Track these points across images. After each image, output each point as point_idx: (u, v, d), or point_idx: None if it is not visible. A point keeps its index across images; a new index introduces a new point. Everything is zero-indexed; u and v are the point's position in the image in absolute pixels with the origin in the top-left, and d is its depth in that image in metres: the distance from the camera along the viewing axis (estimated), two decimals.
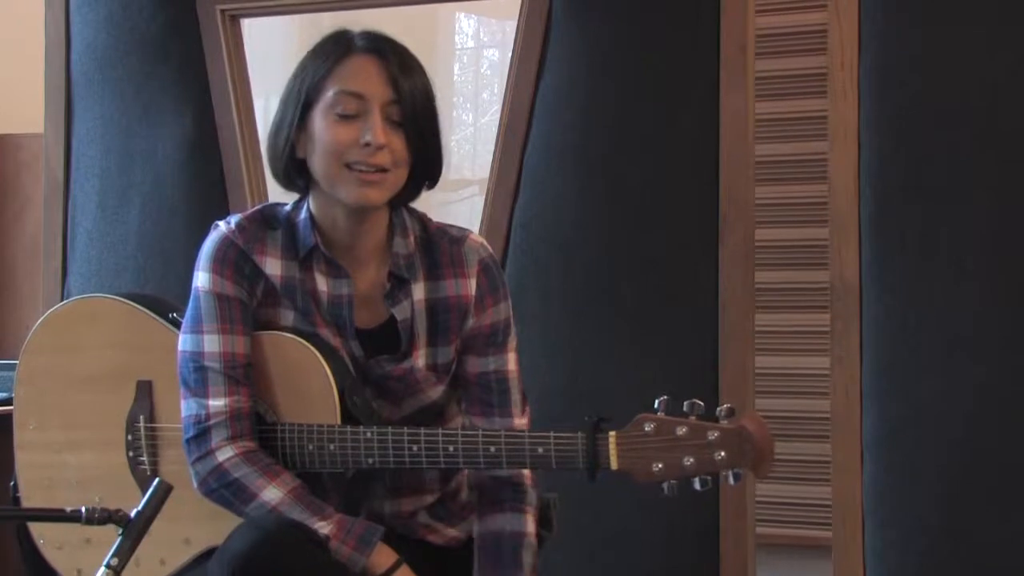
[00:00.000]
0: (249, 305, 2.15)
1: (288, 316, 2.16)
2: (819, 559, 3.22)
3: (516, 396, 2.22)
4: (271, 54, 4.08)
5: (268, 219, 2.19)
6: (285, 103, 2.16)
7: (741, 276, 3.01)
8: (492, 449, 2.06)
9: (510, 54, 3.28)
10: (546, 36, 3.20)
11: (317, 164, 2.12)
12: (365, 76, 2.11)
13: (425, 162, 2.15)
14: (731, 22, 3.03)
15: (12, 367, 2.40)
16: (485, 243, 2.24)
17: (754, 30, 3.06)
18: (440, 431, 2.10)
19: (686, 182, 3.08)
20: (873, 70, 2.88)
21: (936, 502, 2.79)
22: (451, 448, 2.07)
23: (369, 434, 2.09)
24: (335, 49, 2.14)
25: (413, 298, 2.17)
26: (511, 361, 2.23)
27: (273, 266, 2.15)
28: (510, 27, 3.52)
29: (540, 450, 2.04)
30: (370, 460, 2.09)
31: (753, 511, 3.03)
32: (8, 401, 2.38)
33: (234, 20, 3.52)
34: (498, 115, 3.30)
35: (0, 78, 4.38)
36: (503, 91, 3.28)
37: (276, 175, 2.20)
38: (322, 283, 2.16)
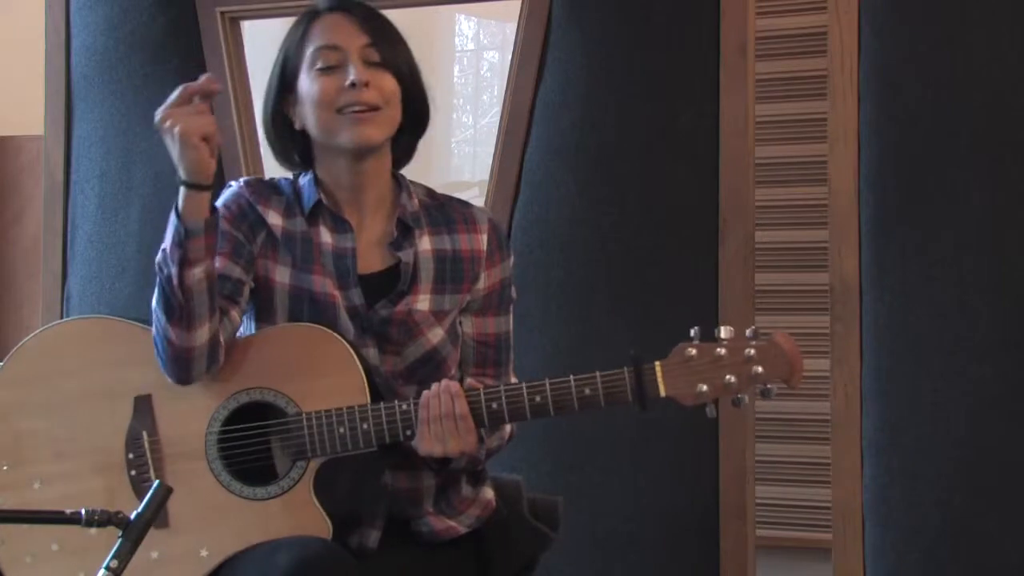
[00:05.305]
0: (245, 245, 2.20)
1: (286, 262, 2.20)
2: (819, 561, 3.21)
3: (512, 355, 2.34)
4: (271, 56, 4.07)
5: (274, 184, 2.29)
6: (271, 81, 2.28)
7: (741, 278, 3.01)
8: (538, 399, 2.09)
9: (510, 56, 3.28)
10: (546, 38, 3.20)
11: (312, 120, 2.21)
12: (337, 28, 2.22)
13: (412, 100, 2.23)
14: (731, 24, 3.03)
15: None
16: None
17: (754, 32, 3.06)
18: (482, 389, 2.12)
19: (686, 183, 3.08)
20: (873, 72, 2.88)
21: (936, 503, 2.79)
22: (494, 405, 2.10)
23: (405, 406, 2.10)
24: (304, 18, 2.27)
25: (418, 247, 2.23)
26: (510, 321, 2.33)
27: (275, 218, 2.23)
28: (510, 29, 3.52)
29: (587, 391, 2.09)
30: (408, 432, 2.11)
31: (753, 512, 3.03)
32: None
33: (234, 22, 3.53)
34: (498, 117, 3.30)
35: (0, 80, 4.38)
36: (503, 93, 3.28)
37: (278, 155, 2.31)
38: (327, 236, 2.22)
